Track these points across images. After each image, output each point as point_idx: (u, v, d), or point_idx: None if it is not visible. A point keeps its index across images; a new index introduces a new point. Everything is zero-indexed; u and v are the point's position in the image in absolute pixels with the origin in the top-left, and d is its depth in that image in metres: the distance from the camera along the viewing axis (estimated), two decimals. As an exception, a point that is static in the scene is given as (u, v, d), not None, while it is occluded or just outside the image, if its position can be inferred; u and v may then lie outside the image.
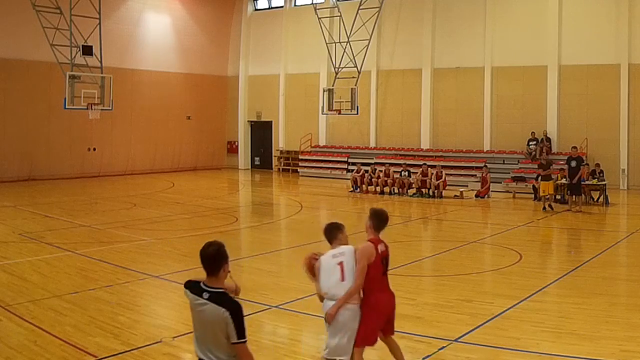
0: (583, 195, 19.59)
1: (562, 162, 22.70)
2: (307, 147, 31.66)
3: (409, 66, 28.71)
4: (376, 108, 29.73)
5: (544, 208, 19.01)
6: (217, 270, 4.18)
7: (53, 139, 27.43)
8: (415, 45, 28.35)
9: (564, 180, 20.50)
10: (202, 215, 18.06)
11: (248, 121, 34.89)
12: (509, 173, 24.13)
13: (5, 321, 7.99)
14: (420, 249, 14.34)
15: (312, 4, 29.88)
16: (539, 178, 20.84)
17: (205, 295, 4.13)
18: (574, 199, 18.97)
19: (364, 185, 23.86)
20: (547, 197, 19.21)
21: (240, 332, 4.07)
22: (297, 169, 31.23)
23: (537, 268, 11.57)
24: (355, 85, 27.37)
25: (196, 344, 4.27)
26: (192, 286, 4.25)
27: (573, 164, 18.74)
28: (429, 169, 22.69)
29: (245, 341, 4.10)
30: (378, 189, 23.36)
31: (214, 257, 4.18)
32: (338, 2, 29.18)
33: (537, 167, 20.99)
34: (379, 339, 5.93)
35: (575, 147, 19.80)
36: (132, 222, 16.56)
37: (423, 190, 22.50)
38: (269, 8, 34.26)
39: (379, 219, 5.96)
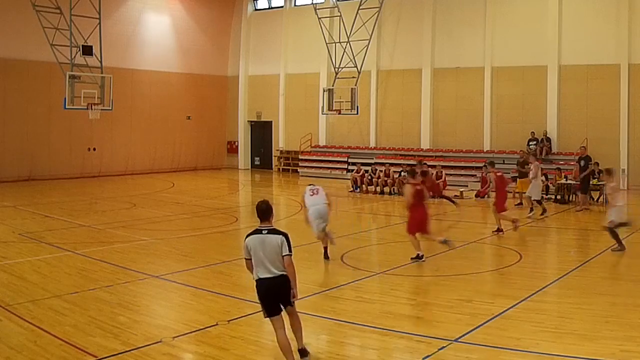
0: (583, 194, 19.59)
1: (562, 162, 22.76)
2: (307, 147, 31.65)
3: (409, 66, 28.70)
4: (376, 108, 29.72)
5: (519, 204, 19.61)
6: (268, 217, 6.56)
7: (53, 139, 27.43)
8: (415, 45, 28.34)
9: (564, 180, 20.51)
10: (202, 215, 18.07)
11: (248, 121, 34.89)
12: (509, 173, 24.05)
13: (5, 321, 7.99)
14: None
15: (312, 4, 29.88)
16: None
17: (265, 231, 6.46)
18: (579, 197, 19.05)
19: (364, 185, 23.86)
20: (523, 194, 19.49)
21: (289, 248, 6.42)
22: (297, 169, 31.22)
23: (537, 268, 11.57)
24: (355, 85, 27.37)
25: (256, 268, 6.42)
26: (253, 232, 6.52)
27: (582, 163, 18.80)
28: (429, 169, 22.66)
29: (292, 254, 6.41)
30: (378, 189, 23.35)
31: (267, 210, 6.57)
32: (338, 2, 29.19)
33: (516, 165, 21.21)
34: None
35: (584, 147, 19.89)
36: (132, 222, 16.56)
37: (423, 190, 22.45)
38: (269, 8, 34.25)
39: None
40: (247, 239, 6.49)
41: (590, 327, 7.70)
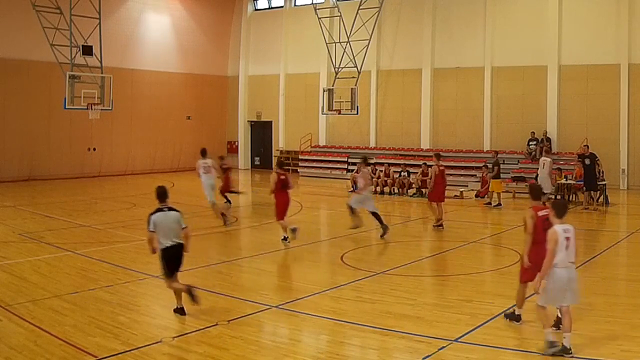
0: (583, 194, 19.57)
1: (562, 162, 22.74)
2: (307, 147, 31.66)
3: (409, 66, 28.71)
4: (376, 108, 29.72)
5: (489, 203, 19.89)
6: (165, 199, 8.30)
7: (53, 139, 27.43)
8: (415, 45, 28.35)
9: (564, 180, 20.50)
10: (202, 215, 18.05)
11: (248, 121, 34.90)
12: (509, 173, 24.09)
13: (5, 321, 7.99)
14: (420, 249, 14.33)
15: (312, 4, 29.88)
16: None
17: (166, 209, 8.19)
18: (590, 196, 19.03)
19: (364, 185, 23.81)
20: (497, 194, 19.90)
21: (184, 222, 8.24)
22: (297, 169, 31.22)
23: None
24: (355, 85, 27.37)
25: (163, 238, 8.05)
26: (157, 210, 8.13)
27: (587, 161, 18.76)
28: (429, 168, 22.65)
29: (187, 226, 8.29)
30: (378, 189, 23.35)
31: (164, 193, 8.32)
32: (338, 2, 29.19)
33: (488, 165, 21.36)
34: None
35: (586, 146, 19.85)
36: (132, 222, 16.55)
37: (423, 190, 22.47)
38: (269, 8, 34.26)
39: None
40: (153, 216, 8.08)
41: (590, 327, 7.69)
